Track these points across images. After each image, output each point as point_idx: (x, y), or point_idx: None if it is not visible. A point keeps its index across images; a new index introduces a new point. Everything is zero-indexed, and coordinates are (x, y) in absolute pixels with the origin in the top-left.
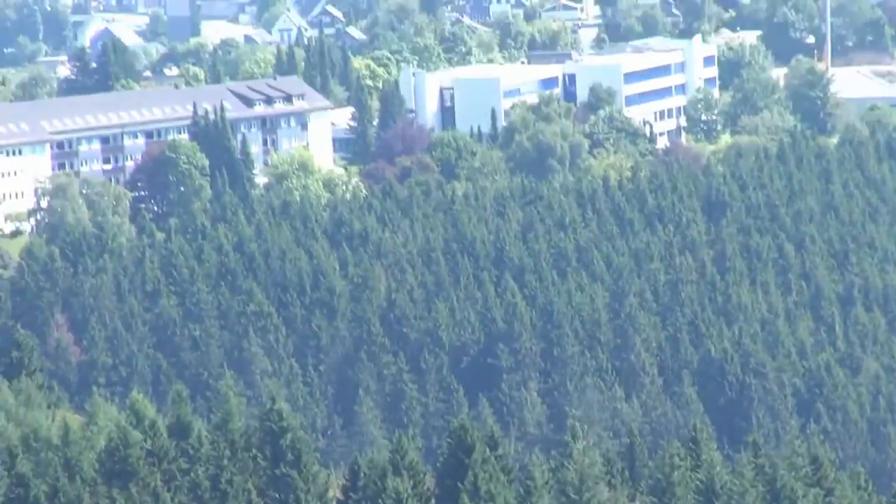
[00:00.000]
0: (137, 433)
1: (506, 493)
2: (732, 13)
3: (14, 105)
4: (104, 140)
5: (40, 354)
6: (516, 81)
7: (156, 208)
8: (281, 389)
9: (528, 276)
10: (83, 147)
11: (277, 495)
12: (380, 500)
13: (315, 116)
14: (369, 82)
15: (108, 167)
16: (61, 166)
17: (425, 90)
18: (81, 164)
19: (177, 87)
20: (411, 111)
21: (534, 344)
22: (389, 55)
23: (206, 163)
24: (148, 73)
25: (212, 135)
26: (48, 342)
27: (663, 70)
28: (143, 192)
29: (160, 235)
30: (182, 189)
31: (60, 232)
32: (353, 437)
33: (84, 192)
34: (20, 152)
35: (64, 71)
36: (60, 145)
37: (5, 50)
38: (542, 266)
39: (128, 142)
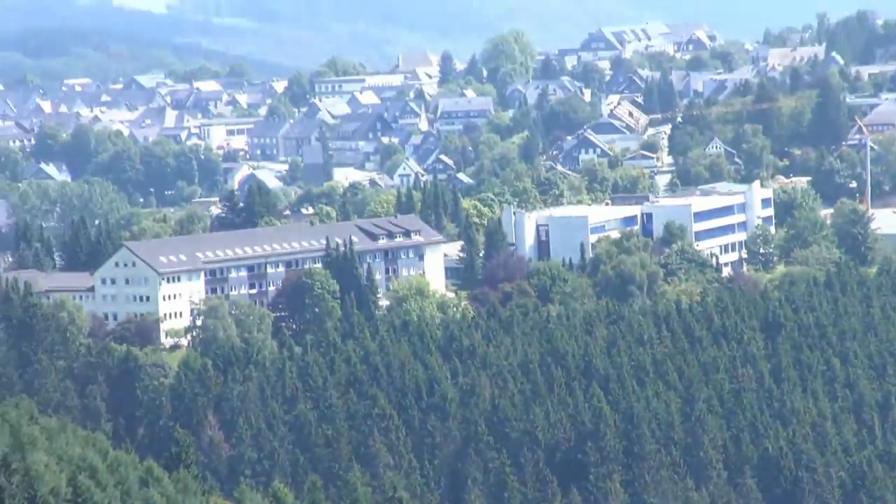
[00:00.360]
0: None
1: None
2: (786, 161)
3: (174, 239)
4: (250, 268)
5: (195, 450)
6: (601, 219)
7: (294, 326)
8: (401, 480)
9: (611, 384)
10: (232, 274)
11: None
12: None
13: (430, 249)
14: (476, 220)
15: (253, 291)
16: (213, 290)
17: (524, 227)
18: (230, 289)
19: (312, 223)
20: (512, 245)
21: (617, 442)
22: (493, 197)
23: (337, 288)
24: (287, 212)
25: (342, 264)
26: (202, 439)
27: (727, 210)
28: (283, 313)
29: (298, 349)
30: (316, 310)
31: (213, 346)
32: None
33: (232, 312)
34: (179, 279)
35: (216, 210)
36: (213, 273)
37: (166, 192)
38: (623, 376)
39: (270, 270)
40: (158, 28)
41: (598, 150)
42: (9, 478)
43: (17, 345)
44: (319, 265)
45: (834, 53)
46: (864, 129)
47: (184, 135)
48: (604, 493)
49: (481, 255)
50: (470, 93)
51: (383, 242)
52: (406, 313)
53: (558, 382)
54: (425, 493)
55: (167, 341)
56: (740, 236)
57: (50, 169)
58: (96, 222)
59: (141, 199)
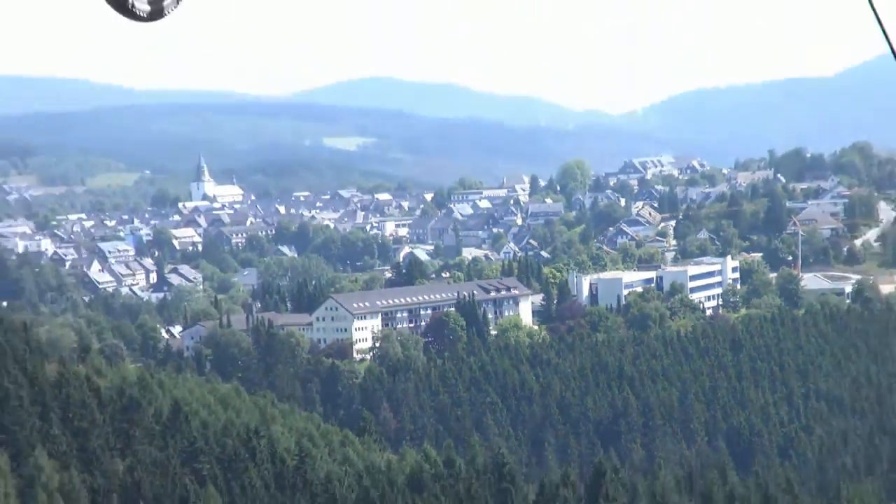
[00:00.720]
0: (427, 465)
1: (623, 494)
2: (748, 244)
3: (361, 293)
4: (409, 311)
5: (375, 424)
6: (631, 280)
7: (436, 347)
8: (503, 443)
9: (636, 383)
10: (398, 314)
11: (502, 499)
12: (556, 502)
13: (522, 299)
14: (552, 280)
15: (411, 325)
16: (386, 324)
17: (582, 285)
18: (397, 324)
19: (448, 283)
20: (574, 296)
21: (638, 419)
22: (563, 266)
23: (464, 323)
24: (433, 276)
25: (467, 308)
26: (379, 417)
27: (710, 274)
28: (429, 338)
29: (439, 361)
30: (451, 337)
31: (386, 359)
32: (542, 468)
33: (398, 338)
34: (365, 317)
35: (388, 274)
36: (386, 314)
37: (357, 263)
38: (643, 378)
39: (422, 311)
40: (352, 159)
41: (629, 237)
42: (258, 441)
43: (263, 358)
44: (453, 309)
45: (779, 175)
46: (798, 223)
47: (368, 227)
48: (629, 451)
49: (555, 302)
50: (549, 200)
51: (493, 294)
52: (507, 339)
53: (602, 382)
54: (518, 451)
55: (357, 357)
56: (718, 290)
57: (284, 249)
58: (312, 282)
59: (341, 268)
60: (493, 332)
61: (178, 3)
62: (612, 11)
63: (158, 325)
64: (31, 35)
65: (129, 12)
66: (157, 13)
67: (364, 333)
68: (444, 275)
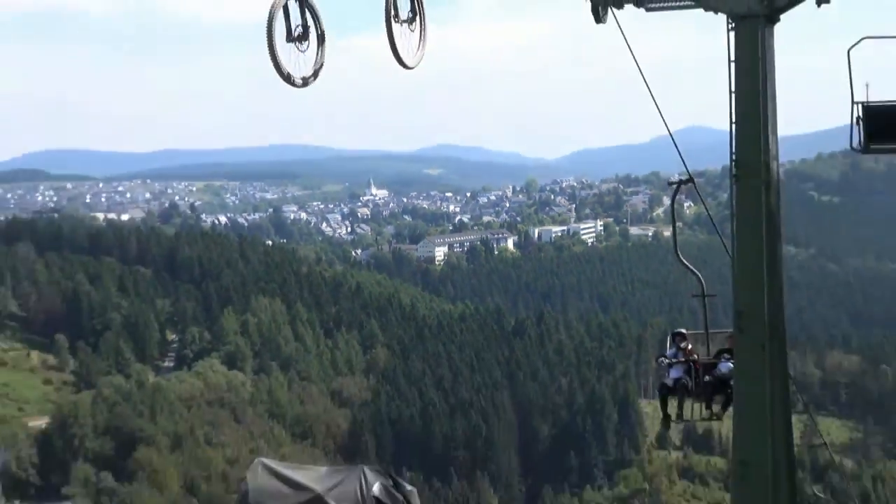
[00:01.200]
0: (467, 310)
1: (553, 324)
2: (606, 214)
3: (439, 235)
4: (460, 244)
5: (444, 291)
6: (556, 230)
7: (471, 259)
8: (500, 301)
9: (559, 273)
10: (455, 246)
11: (499, 324)
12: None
13: (510, 238)
14: (522, 230)
15: (460, 249)
16: (449, 249)
17: (535, 232)
18: (455, 249)
19: (477, 231)
20: (532, 237)
21: (560, 289)
22: (527, 224)
23: (483, 249)
24: (470, 228)
25: (486, 243)
26: (446, 288)
27: (590, 228)
28: (468, 255)
29: (473, 266)
30: (477, 255)
31: (449, 264)
32: (517, 311)
33: (455, 255)
34: (440, 246)
35: (450, 227)
36: (449, 245)
37: (438, 223)
38: (562, 272)
39: (465, 244)
40: (436, 178)
41: (556, 212)
42: (393, 299)
43: (397, 264)
44: (479, 243)
45: (620, 186)
46: (628, 207)
47: (442, 208)
48: (556, 304)
49: (524, 240)
50: (520, 196)
51: (497, 236)
52: (502, 256)
53: (544, 274)
54: (506, 304)
55: (437, 263)
56: (594, 234)
57: (406, 217)
58: (418, 230)
59: (431, 224)
60: (496, 253)
61: (315, 78)
62: (548, 116)
63: (351, 250)
64: (300, 117)
65: (291, 83)
66: (305, 84)
67: (440, 253)
68: (475, 228)
